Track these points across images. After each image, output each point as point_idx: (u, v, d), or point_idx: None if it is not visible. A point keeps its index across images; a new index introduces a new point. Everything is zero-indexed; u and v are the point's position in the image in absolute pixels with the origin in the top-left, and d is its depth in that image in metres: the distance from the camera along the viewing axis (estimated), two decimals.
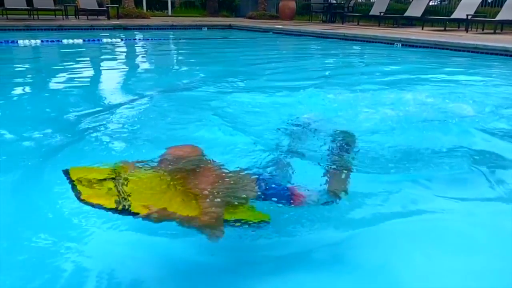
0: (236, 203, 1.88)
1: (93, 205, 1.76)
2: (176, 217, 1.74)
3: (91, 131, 3.38)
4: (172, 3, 20.14)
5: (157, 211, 1.71)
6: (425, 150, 2.86)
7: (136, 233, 1.96)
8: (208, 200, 1.81)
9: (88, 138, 3.22)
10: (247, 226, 1.81)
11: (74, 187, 1.83)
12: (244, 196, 1.93)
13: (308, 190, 2.05)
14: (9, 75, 6.04)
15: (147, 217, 1.70)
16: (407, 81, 5.73)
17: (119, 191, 1.83)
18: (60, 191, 2.13)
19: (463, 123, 3.43)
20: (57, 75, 6.32)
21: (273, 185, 2.03)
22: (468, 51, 8.72)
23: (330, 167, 2.41)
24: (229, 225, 1.78)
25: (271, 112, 3.75)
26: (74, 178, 1.85)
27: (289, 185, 2.09)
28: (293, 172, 2.28)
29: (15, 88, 5.23)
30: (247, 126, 3.41)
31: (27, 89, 5.38)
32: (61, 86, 5.55)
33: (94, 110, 4.04)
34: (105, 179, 1.89)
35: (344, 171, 2.38)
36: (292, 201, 1.98)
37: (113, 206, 1.74)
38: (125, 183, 1.88)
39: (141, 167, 2.03)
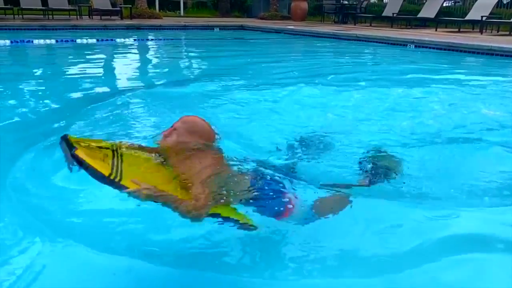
0: (228, 199, 1.81)
1: (84, 165, 1.66)
2: (164, 196, 1.69)
3: (96, 121, 3.50)
4: (184, 4, 20.23)
5: (147, 188, 1.66)
6: (444, 166, 2.62)
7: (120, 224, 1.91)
8: (201, 187, 1.77)
9: (92, 128, 3.32)
10: (232, 224, 1.72)
11: (69, 144, 1.74)
12: (238, 193, 1.85)
13: (302, 204, 1.90)
14: (24, 72, 6.12)
15: (135, 193, 1.65)
16: (420, 84, 5.65)
17: (115, 161, 1.77)
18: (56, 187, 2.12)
19: (482, 132, 3.24)
20: (69, 72, 6.42)
21: (269, 191, 1.93)
22: (483, 53, 8.61)
23: (339, 187, 2.18)
24: (214, 220, 1.71)
25: (280, 114, 3.73)
26: (72, 141, 1.78)
27: (287, 193, 1.95)
28: (296, 181, 2.11)
29: (31, 83, 5.35)
30: (253, 126, 3.40)
31: (40, 84, 5.49)
32: (71, 81, 5.62)
33: (100, 104, 4.11)
34: (103, 147, 1.84)
35: (348, 193, 2.13)
36: (282, 210, 1.86)
37: (105, 172, 1.67)
38: (122, 156, 1.84)
39: (140, 146, 2.02)
